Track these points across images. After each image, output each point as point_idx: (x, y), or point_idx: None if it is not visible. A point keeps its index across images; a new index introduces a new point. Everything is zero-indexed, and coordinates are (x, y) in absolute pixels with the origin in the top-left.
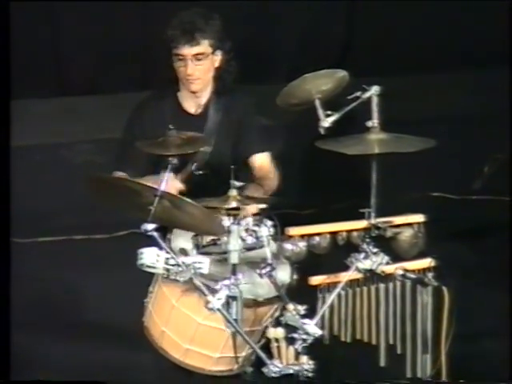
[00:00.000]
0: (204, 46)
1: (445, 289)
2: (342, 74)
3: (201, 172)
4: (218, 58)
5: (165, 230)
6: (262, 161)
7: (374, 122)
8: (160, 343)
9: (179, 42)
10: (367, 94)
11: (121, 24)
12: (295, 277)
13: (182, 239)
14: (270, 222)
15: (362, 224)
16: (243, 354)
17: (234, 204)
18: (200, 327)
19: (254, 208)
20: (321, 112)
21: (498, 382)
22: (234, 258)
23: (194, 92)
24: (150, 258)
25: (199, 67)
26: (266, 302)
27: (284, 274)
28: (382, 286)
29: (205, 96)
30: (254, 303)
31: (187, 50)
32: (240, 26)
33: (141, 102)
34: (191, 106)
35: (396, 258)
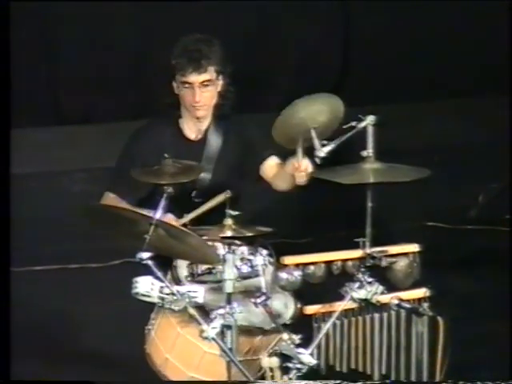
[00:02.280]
0: (210, 73)
1: (440, 319)
2: (335, 100)
3: (201, 199)
4: (220, 83)
5: (161, 258)
6: (273, 162)
7: (368, 151)
8: (163, 370)
9: (186, 69)
10: (363, 124)
11: (117, 53)
12: (299, 305)
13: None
14: (265, 251)
15: (357, 253)
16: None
17: (229, 233)
18: (206, 355)
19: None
20: (316, 141)
21: (497, 382)
22: (228, 287)
23: (198, 118)
24: (145, 286)
25: (206, 94)
26: (268, 330)
27: (279, 304)
28: (376, 315)
29: (206, 122)
30: (258, 332)
31: (195, 78)
32: (233, 53)
33: (141, 128)
34: (192, 132)
35: (391, 287)
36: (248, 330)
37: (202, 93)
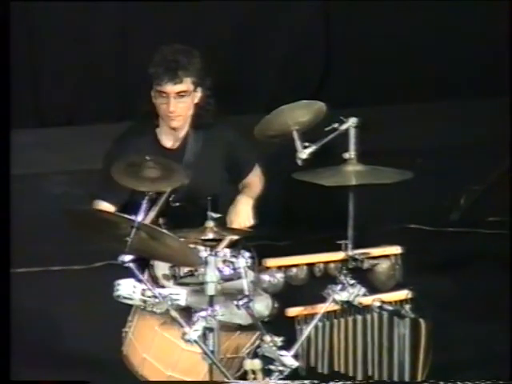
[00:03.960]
0: (187, 84)
1: (422, 321)
2: (319, 105)
3: (178, 204)
4: (197, 95)
5: (144, 260)
6: (255, 171)
7: (351, 153)
8: (141, 371)
9: (162, 79)
10: (344, 126)
11: (98, 56)
12: (276, 305)
13: (165, 265)
14: (247, 254)
15: (339, 256)
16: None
17: (210, 235)
18: (184, 353)
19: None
20: (298, 143)
21: (498, 382)
22: (210, 290)
23: (174, 128)
24: (127, 289)
25: (181, 105)
26: (247, 326)
27: (261, 306)
28: (359, 317)
29: (183, 130)
30: (236, 328)
31: (170, 88)
32: (217, 56)
33: (120, 137)
34: (169, 140)
35: (373, 289)
36: (226, 326)
37: (177, 103)
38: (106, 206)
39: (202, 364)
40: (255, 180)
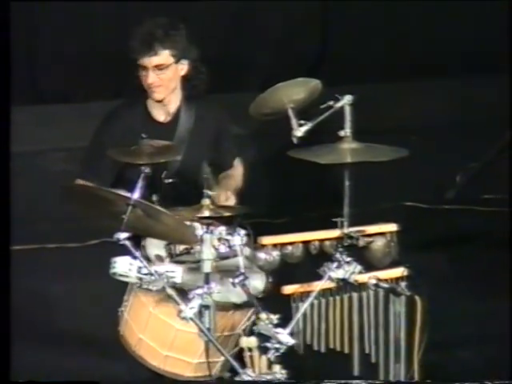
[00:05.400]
0: (164, 57)
1: (418, 298)
2: (314, 82)
3: (170, 180)
4: (184, 67)
5: (138, 238)
6: (237, 165)
7: (346, 131)
8: (138, 351)
9: (138, 52)
10: (340, 104)
11: (95, 33)
12: (270, 280)
13: (156, 246)
14: (242, 231)
15: (334, 233)
16: (221, 358)
17: (206, 213)
18: (178, 333)
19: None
20: (294, 121)
21: (497, 382)
22: (206, 267)
23: (158, 101)
24: (123, 266)
25: (161, 76)
26: (242, 304)
27: (257, 283)
28: (354, 295)
29: (174, 104)
30: (231, 306)
31: (147, 61)
32: (214, 33)
33: (110, 111)
34: (160, 114)
35: (369, 267)
36: (221, 305)
37: (156, 75)
38: (90, 181)
39: (198, 342)
40: (236, 174)
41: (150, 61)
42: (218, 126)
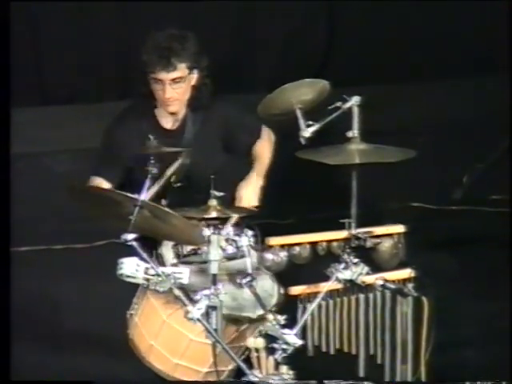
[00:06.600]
0: (181, 70)
1: (424, 299)
2: (322, 83)
3: (179, 184)
4: (194, 77)
5: (146, 239)
6: (265, 137)
7: (354, 132)
8: (147, 357)
9: (156, 67)
10: (348, 105)
11: (100, 34)
12: (282, 292)
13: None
14: (250, 232)
15: (342, 234)
16: (229, 367)
17: (214, 214)
18: (192, 343)
19: None
20: (302, 122)
21: (497, 382)
22: (213, 268)
23: (172, 113)
24: (130, 267)
25: (177, 90)
26: (256, 319)
27: (265, 284)
28: (361, 296)
29: (181, 112)
30: (245, 321)
31: (164, 76)
32: (220, 34)
33: (118, 117)
34: (168, 121)
35: (376, 268)
36: (235, 320)
37: (173, 89)
38: (101, 182)
39: (209, 352)
40: (265, 145)
41: (168, 76)
42: (226, 121)
